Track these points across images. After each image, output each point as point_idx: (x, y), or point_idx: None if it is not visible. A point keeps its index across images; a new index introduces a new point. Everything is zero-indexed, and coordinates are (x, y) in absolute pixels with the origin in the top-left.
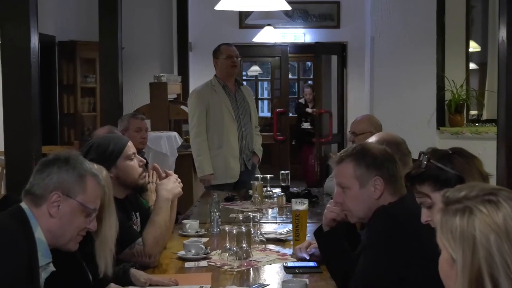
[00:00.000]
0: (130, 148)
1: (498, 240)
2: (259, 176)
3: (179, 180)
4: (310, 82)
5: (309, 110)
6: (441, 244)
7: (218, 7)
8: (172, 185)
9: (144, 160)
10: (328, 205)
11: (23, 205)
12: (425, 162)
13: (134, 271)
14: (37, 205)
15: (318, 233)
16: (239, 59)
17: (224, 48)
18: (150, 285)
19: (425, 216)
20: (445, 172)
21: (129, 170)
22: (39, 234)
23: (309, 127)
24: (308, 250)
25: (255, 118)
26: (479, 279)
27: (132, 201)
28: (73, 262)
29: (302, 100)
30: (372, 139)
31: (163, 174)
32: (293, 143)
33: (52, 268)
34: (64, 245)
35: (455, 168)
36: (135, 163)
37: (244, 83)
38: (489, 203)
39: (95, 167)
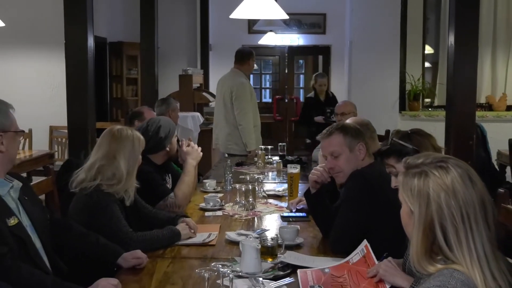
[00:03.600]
0: None
1: (447, 197)
2: (262, 146)
3: (196, 146)
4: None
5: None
6: (402, 199)
7: (233, 16)
8: (196, 153)
9: None
10: (312, 171)
11: None
12: (390, 141)
13: (182, 225)
14: None
15: (306, 195)
16: None
17: (254, 55)
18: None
19: (393, 182)
20: (405, 147)
21: (173, 144)
22: None
23: (322, 121)
24: (297, 205)
25: None
26: (431, 227)
27: (167, 166)
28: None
29: (312, 94)
30: (348, 121)
31: (188, 146)
32: (308, 141)
33: (17, 185)
34: (12, 168)
35: (413, 144)
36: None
37: (251, 75)
38: (441, 168)
39: None
